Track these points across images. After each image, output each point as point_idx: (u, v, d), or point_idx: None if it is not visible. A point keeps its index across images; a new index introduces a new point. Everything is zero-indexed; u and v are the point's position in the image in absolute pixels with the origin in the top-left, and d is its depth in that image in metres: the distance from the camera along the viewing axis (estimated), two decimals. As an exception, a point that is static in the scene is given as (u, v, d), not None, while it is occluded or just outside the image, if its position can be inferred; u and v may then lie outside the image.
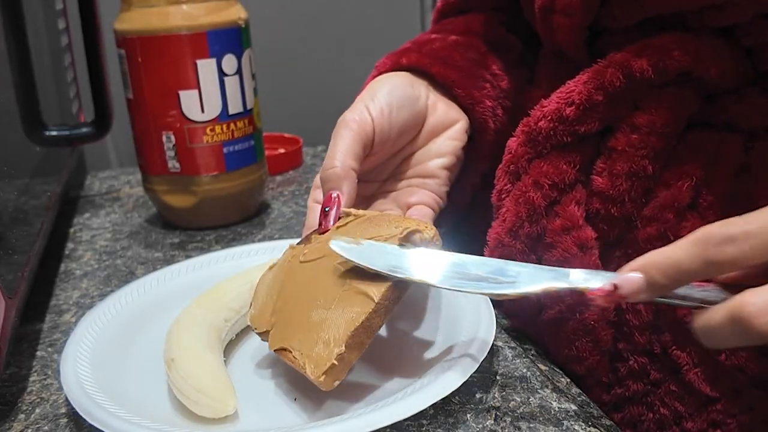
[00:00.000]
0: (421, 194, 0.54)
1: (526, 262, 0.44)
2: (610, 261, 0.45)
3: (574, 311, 0.45)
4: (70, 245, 0.71)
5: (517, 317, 0.51)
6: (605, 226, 0.45)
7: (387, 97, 0.52)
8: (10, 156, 0.53)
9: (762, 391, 0.42)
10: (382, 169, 0.55)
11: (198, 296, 0.49)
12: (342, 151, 0.48)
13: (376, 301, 0.39)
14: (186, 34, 0.65)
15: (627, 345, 0.45)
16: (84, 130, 0.66)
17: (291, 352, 0.40)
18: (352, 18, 1.36)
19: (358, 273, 0.41)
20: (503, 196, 0.48)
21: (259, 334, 0.44)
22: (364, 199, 0.55)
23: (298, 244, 0.47)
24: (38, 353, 0.51)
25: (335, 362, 0.38)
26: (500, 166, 0.48)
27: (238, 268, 0.54)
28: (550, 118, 0.45)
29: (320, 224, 0.47)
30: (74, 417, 0.44)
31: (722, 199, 0.43)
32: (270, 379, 0.46)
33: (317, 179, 0.52)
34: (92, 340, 0.47)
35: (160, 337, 0.46)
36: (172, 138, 0.68)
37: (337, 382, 0.39)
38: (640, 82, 0.43)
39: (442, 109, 0.55)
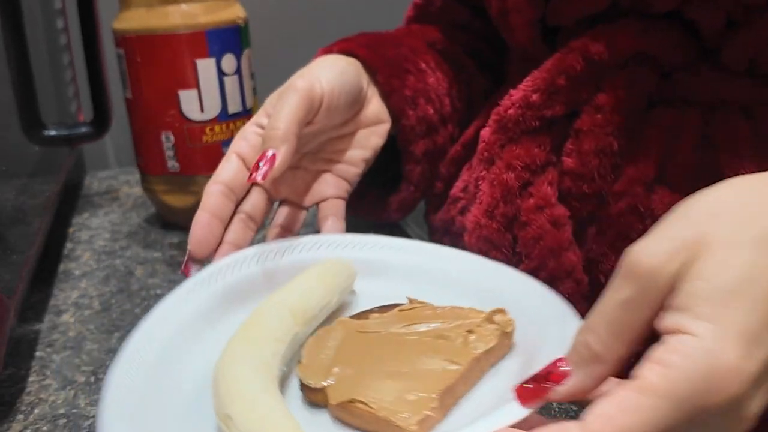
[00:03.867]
0: (336, 184, 0.56)
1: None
2: (584, 238, 0.47)
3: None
4: (68, 245, 0.71)
5: None
6: (577, 203, 0.47)
7: (339, 76, 0.53)
8: (8, 155, 0.53)
9: None
10: (308, 140, 0.55)
11: (237, 330, 0.42)
12: (287, 115, 0.49)
13: (465, 366, 0.38)
14: (185, 34, 0.65)
15: None
16: (83, 129, 0.65)
17: (366, 404, 0.36)
18: (351, 18, 1.36)
19: (438, 344, 0.40)
20: (479, 182, 0.50)
21: (310, 389, 0.39)
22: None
23: (351, 317, 0.45)
24: (37, 354, 0.51)
25: (430, 413, 0.36)
26: (475, 155, 0.51)
27: (267, 279, 0.49)
28: (518, 105, 0.48)
29: (250, 176, 0.48)
30: (73, 418, 0.43)
31: (687, 170, 0.46)
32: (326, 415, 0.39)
33: (242, 130, 0.53)
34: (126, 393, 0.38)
35: (198, 384, 0.40)
36: (172, 138, 0.68)
37: None
38: (599, 64, 0.47)
39: (376, 105, 0.57)
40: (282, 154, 0.48)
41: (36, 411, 0.45)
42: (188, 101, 0.67)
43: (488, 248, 0.49)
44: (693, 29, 0.46)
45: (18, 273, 0.48)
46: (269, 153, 0.48)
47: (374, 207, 0.63)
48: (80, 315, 0.56)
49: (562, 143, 0.48)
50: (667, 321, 0.29)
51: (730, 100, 0.46)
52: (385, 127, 0.58)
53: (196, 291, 0.47)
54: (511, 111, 0.48)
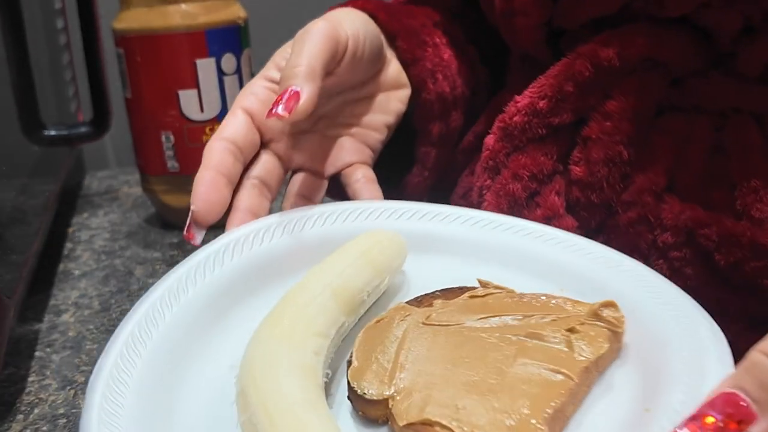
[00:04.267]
0: (358, 149, 0.51)
1: None
2: None
3: None
4: (68, 245, 0.71)
5: None
6: (586, 213, 0.46)
7: (362, 26, 0.49)
8: (8, 155, 0.53)
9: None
10: (323, 102, 0.49)
11: (263, 321, 0.33)
12: (310, 53, 0.43)
13: (575, 380, 0.30)
14: (185, 33, 0.65)
15: None
16: (82, 129, 0.65)
17: (449, 429, 0.28)
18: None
19: (532, 346, 0.32)
20: (484, 192, 0.48)
21: (365, 400, 0.30)
22: (293, 135, 0.49)
23: (408, 302, 0.37)
24: (36, 353, 0.51)
25: None
26: (479, 163, 0.49)
27: (295, 255, 0.39)
28: (524, 112, 0.46)
29: (270, 111, 0.42)
30: (73, 418, 0.43)
31: (698, 179, 0.44)
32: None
33: (249, 85, 0.47)
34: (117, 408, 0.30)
35: (212, 393, 0.32)
36: (171, 138, 0.68)
37: None
38: (608, 70, 0.45)
39: (395, 68, 0.54)
40: (307, 92, 0.42)
41: (36, 411, 0.44)
42: (188, 101, 0.66)
43: None
44: (705, 34, 0.45)
45: (18, 273, 0.48)
46: (292, 89, 0.42)
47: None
48: (80, 315, 0.56)
49: (569, 151, 0.46)
50: None
51: (743, 107, 0.44)
52: (405, 93, 0.53)
53: (206, 267, 0.38)
54: (516, 118, 0.46)
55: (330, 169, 0.51)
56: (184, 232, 0.42)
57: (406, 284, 0.41)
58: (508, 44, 0.55)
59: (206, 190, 0.42)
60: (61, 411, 0.44)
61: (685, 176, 0.44)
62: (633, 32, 0.45)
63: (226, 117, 0.46)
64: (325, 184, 0.51)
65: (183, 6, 0.65)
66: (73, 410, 0.44)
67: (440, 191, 0.59)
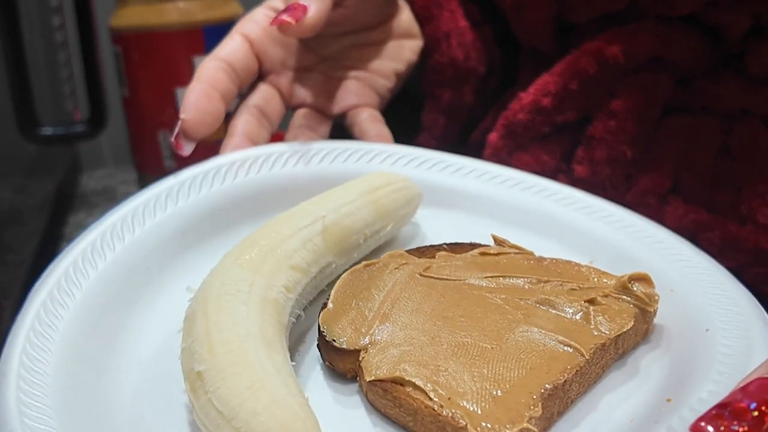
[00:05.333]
0: (364, 92, 0.48)
1: None
2: None
3: None
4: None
5: None
6: None
7: None
8: (4, 155, 0.53)
9: None
10: (329, 42, 0.48)
11: (234, 247, 0.29)
12: None
13: (586, 357, 0.26)
14: (182, 31, 0.64)
15: None
16: (79, 128, 0.65)
17: (423, 390, 0.24)
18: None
19: (542, 313, 0.28)
20: None
21: (335, 349, 0.27)
22: (295, 70, 0.47)
23: (409, 251, 0.33)
24: (34, 354, 0.51)
25: (529, 427, 0.23)
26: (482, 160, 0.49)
27: (296, 192, 0.35)
28: (528, 110, 0.46)
29: (274, 19, 0.40)
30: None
31: (703, 181, 0.43)
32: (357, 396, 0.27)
33: (251, 13, 0.45)
34: (47, 340, 0.27)
35: (169, 323, 0.28)
36: (169, 136, 0.67)
37: None
38: (613, 68, 0.44)
39: (408, 17, 0.52)
40: (315, 6, 0.40)
41: (33, 413, 0.44)
42: (186, 99, 0.66)
43: None
44: (714, 34, 0.44)
45: (14, 273, 0.48)
46: (300, 2, 0.40)
47: None
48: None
49: (572, 150, 0.46)
50: None
51: (751, 108, 0.44)
52: (418, 44, 0.51)
53: (191, 187, 0.34)
54: (520, 116, 0.46)
55: (335, 108, 0.47)
56: (171, 139, 0.40)
57: (417, 235, 0.37)
58: (519, 38, 0.54)
59: (197, 99, 0.40)
60: (59, 412, 0.44)
61: (690, 178, 0.44)
62: (640, 30, 0.45)
63: (224, 40, 0.44)
64: (330, 121, 0.48)
65: (180, 3, 0.64)
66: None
67: None
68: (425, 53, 0.52)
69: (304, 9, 0.40)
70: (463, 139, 0.57)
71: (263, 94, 0.45)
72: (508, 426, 0.22)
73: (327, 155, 0.39)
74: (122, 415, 0.25)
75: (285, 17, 0.39)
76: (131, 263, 0.31)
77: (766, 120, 0.44)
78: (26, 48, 0.57)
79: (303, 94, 0.47)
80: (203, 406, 0.22)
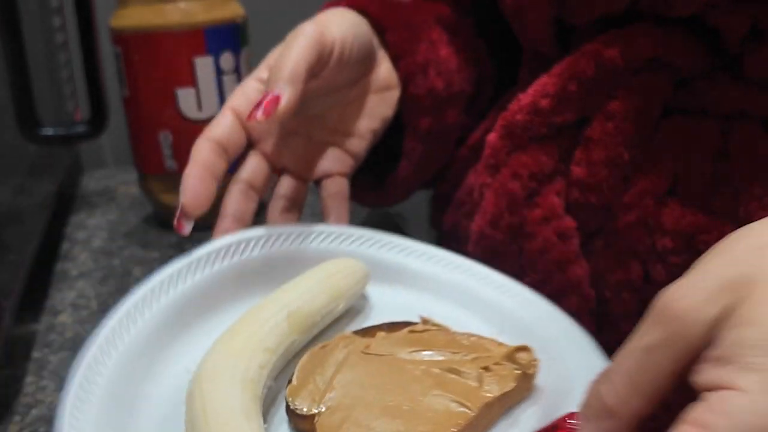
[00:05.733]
0: (341, 159, 0.53)
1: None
2: (591, 251, 0.45)
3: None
4: (65, 245, 0.70)
5: None
6: (585, 215, 0.45)
7: (351, 28, 0.50)
8: (5, 155, 0.53)
9: None
10: (311, 103, 0.52)
11: (223, 335, 0.38)
12: (295, 57, 0.46)
13: (475, 413, 0.34)
14: (183, 31, 0.64)
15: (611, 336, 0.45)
16: (80, 128, 0.65)
17: None
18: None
19: (448, 379, 0.36)
20: (484, 190, 0.48)
21: (297, 415, 0.35)
22: (279, 136, 0.52)
23: (355, 333, 0.41)
24: (34, 354, 0.51)
25: None
26: (480, 162, 0.49)
27: (263, 279, 0.45)
28: (526, 110, 0.46)
29: (250, 114, 0.45)
30: (70, 419, 0.43)
31: (702, 184, 0.44)
32: None
33: (241, 85, 0.50)
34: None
35: (173, 396, 0.37)
36: (169, 137, 0.67)
37: None
38: (612, 70, 0.45)
39: (386, 68, 0.54)
40: (288, 95, 0.45)
41: (33, 412, 0.44)
42: (186, 100, 0.66)
43: (493, 259, 0.47)
44: (713, 36, 0.44)
45: (14, 273, 0.48)
46: (272, 94, 0.45)
47: (367, 188, 0.59)
48: (78, 315, 0.56)
49: (570, 151, 0.46)
50: (705, 375, 0.25)
51: (750, 111, 0.44)
52: (394, 95, 0.54)
53: (178, 279, 0.42)
54: (519, 116, 0.46)
55: (312, 175, 0.53)
56: (174, 223, 0.46)
57: (365, 308, 0.46)
58: (519, 40, 0.54)
59: (194, 183, 0.46)
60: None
61: (688, 180, 0.44)
62: (638, 32, 0.45)
63: (216, 116, 0.49)
64: (307, 187, 0.54)
65: (181, 4, 0.64)
66: (71, 412, 0.44)
67: (445, 188, 0.58)
68: (403, 90, 0.55)
69: (277, 100, 0.44)
70: (459, 124, 0.58)
71: (251, 167, 0.50)
72: None
73: (296, 238, 0.47)
74: None
75: (258, 115, 0.44)
76: (140, 348, 0.39)
77: (765, 122, 0.44)
78: (27, 48, 0.57)
79: (286, 159, 0.52)
80: None
